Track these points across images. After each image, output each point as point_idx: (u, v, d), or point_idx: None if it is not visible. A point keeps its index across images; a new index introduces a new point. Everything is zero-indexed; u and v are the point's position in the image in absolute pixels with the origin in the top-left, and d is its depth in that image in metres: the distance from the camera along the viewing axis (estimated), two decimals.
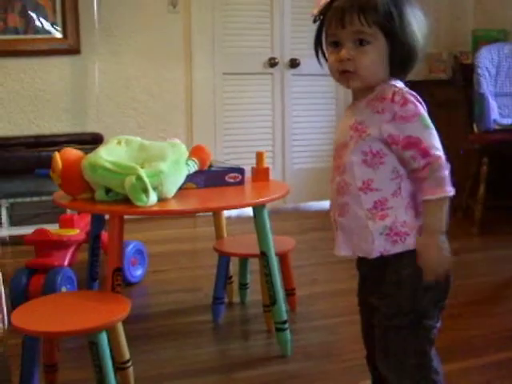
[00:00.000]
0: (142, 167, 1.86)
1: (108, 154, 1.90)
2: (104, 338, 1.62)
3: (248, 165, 2.42)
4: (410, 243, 1.30)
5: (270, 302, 2.10)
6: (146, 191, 1.81)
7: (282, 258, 2.38)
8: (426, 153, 1.25)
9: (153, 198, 1.83)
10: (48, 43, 4.13)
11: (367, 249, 1.32)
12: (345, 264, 2.98)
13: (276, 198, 2.11)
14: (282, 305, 2.10)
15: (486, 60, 4.12)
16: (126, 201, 1.86)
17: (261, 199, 2.08)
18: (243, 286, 2.60)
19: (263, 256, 2.08)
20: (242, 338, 2.34)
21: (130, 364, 1.85)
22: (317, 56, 1.40)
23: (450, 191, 1.27)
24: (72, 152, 1.98)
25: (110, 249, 1.89)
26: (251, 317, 2.52)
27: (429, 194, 1.26)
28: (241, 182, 2.26)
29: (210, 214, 4.06)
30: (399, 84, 1.32)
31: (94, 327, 1.59)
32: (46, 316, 1.68)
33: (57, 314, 1.69)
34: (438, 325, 1.35)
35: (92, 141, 3.75)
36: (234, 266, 2.56)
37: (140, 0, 4.28)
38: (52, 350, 1.83)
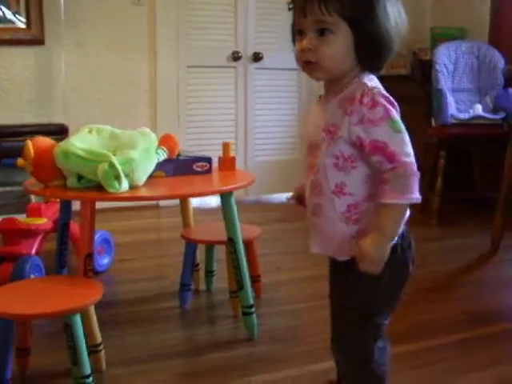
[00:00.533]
0: (114, 155, 1.91)
1: (80, 142, 1.94)
2: (78, 320, 1.67)
3: (211, 156, 2.47)
4: None
5: (238, 287, 2.17)
6: (118, 178, 1.86)
7: (248, 245, 2.44)
8: (392, 158, 1.21)
9: (124, 184, 1.88)
10: (11, 33, 4.10)
11: (338, 251, 1.33)
12: (308, 254, 3.08)
13: (243, 185, 2.19)
14: (249, 289, 2.17)
15: (444, 57, 4.25)
16: (98, 188, 1.91)
17: (228, 187, 2.15)
18: (209, 274, 2.67)
19: (231, 242, 2.15)
20: (209, 323, 2.40)
21: (101, 347, 1.92)
22: (293, 44, 1.33)
23: (412, 198, 1.22)
24: (44, 140, 2.01)
25: (81, 235, 1.93)
26: (217, 303, 2.59)
27: (389, 198, 1.22)
28: (208, 171, 2.32)
29: (174, 204, 4.11)
30: (372, 81, 1.28)
31: (69, 309, 1.64)
32: (20, 299, 1.72)
33: (31, 298, 1.73)
34: (387, 322, 1.39)
35: (57, 131, 3.75)
36: (200, 255, 2.62)
37: None
38: (25, 333, 1.86)
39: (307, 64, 1.28)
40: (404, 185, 1.21)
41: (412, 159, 1.22)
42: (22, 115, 4.14)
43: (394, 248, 1.29)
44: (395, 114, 1.24)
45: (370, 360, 1.38)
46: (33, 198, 3.80)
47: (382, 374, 1.41)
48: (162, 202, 4.54)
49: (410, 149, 1.23)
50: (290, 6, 1.29)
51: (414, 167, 1.22)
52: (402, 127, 1.23)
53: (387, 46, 1.27)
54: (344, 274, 1.36)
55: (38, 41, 4.14)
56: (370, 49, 1.26)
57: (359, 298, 1.35)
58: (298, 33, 1.29)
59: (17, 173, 3.75)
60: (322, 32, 1.24)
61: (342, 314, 1.41)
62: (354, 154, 1.26)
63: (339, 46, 1.24)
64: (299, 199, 1.51)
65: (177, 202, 4.38)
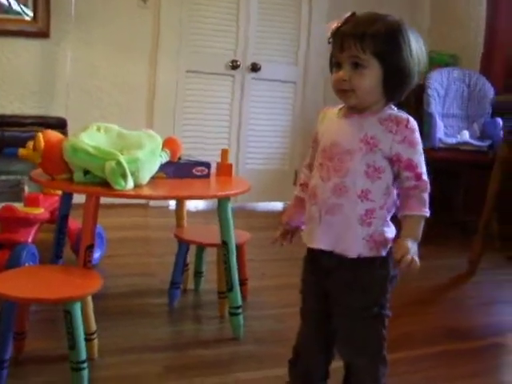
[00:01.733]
0: (121, 154, 2.00)
1: (89, 139, 2.03)
2: (78, 307, 1.75)
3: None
4: (381, 251, 1.49)
5: (227, 288, 2.27)
6: (124, 176, 1.95)
7: (238, 248, 2.52)
8: (418, 176, 1.46)
9: (130, 183, 1.97)
10: (17, 24, 4.18)
11: (348, 248, 1.49)
12: (291, 261, 3.18)
13: (239, 192, 2.28)
14: (238, 291, 2.27)
15: (436, 82, 4.39)
16: (103, 183, 2.00)
17: (226, 192, 2.25)
18: (198, 274, 2.76)
19: (224, 245, 2.25)
20: (196, 321, 2.50)
21: (95, 336, 2.00)
22: (331, 72, 1.52)
23: (428, 212, 1.46)
24: (54, 134, 2.10)
25: (84, 227, 2.02)
26: (205, 303, 2.68)
27: (415, 211, 1.46)
28: (207, 176, 2.42)
29: (163, 205, 4.21)
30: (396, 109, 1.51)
31: (71, 297, 1.73)
32: (23, 284, 1.80)
33: (34, 284, 1.81)
34: (390, 313, 1.56)
35: (56, 125, 3.82)
36: (189, 256, 2.70)
37: None
38: (23, 317, 1.94)
39: (342, 91, 1.47)
40: (425, 200, 1.47)
41: (428, 180, 1.47)
42: (23, 106, 4.21)
43: (389, 252, 1.50)
44: None
45: (382, 349, 1.57)
46: (26, 188, 3.88)
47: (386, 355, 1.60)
48: (151, 203, 4.63)
49: (426, 171, 1.48)
50: (330, 41, 1.49)
51: (429, 185, 1.47)
52: (422, 151, 1.49)
53: (409, 80, 1.48)
54: (352, 274, 1.51)
55: (44, 34, 4.22)
56: (396, 82, 1.47)
57: (372, 295, 1.53)
58: (335, 64, 1.48)
59: (14, 162, 3.83)
60: (356, 65, 1.44)
61: (354, 314, 1.54)
62: (383, 167, 1.46)
63: (370, 78, 1.44)
64: (287, 232, 1.71)
65: (165, 203, 4.51)
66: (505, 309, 2.99)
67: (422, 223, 1.47)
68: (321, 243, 1.53)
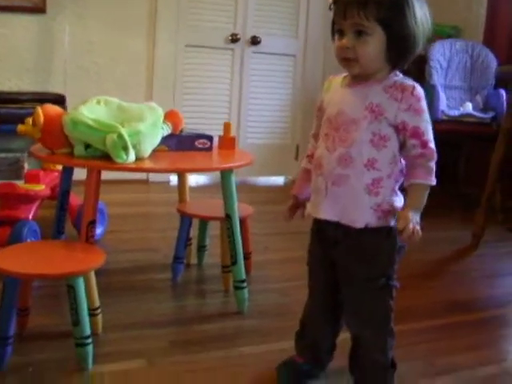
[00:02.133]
0: (122, 126, 1.97)
1: (89, 112, 2.00)
2: (81, 282, 1.73)
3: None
4: (389, 221, 1.49)
5: (231, 261, 2.25)
6: (125, 149, 1.92)
7: (242, 222, 2.50)
8: (424, 144, 1.44)
9: (131, 156, 1.94)
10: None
11: (355, 218, 1.48)
12: (294, 235, 3.17)
13: (243, 164, 2.25)
14: (242, 264, 2.25)
15: (439, 54, 4.34)
16: (104, 157, 1.97)
17: (229, 164, 2.22)
18: (202, 248, 2.74)
19: (228, 218, 2.22)
20: (200, 296, 2.48)
21: (99, 311, 1.99)
22: (332, 39, 1.50)
23: (435, 181, 1.47)
24: (53, 108, 2.06)
25: (86, 202, 2.00)
26: (208, 277, 2.67)
27: (421, 179, 1.45)
28: (209, 149, 2.39)
29: (163, 181, 4.19)
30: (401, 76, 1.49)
31: (74, 271, 1.71)
32: (25, 260, 1.78)
33: (36, 259, 1.79)
34: (398, 284, 1.56)
35: (54, 101, 3.75)
36: (192, 230, 2.68)
37: None
38: (26, 293, 1.92)
39: (345, 60, 1.45)
40: (431, 168, 1.47)
41: (434, 146, 1.46)
42: (20, 83, 4.17)
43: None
44: None
45: (390, 320, 1.57)
46: (26, 165, 3.86)
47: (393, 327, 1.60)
48: (151, 178, 4.61)
49: (432, 137, 1.47)
50: (331, 7, 1.47)
51: (435, 153, 1.47)
52: (430, 119, 1.47)
53: (413, 47, 1.46)
54: (359, 244, 1.51)
55: (40, 9, 4.15)
56: (400, 49, 1.44)
57: (379, 265, 1.52)
58: (337, 32, 1.46)
59: (12, 139, 3.80)
60: (359, 33, 1.41)
61: (361, 284, 1.53)
62: (389, 135, 1.44)
63: (374, 46, 1.42)
64: (297, 206, 1.69)
65: (166, 178, 4.49)
66: (507, 281, 2.99)
67: (427, 192, 1.47)
68: (327, 214, 1.52)
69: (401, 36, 1.42)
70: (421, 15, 1.45)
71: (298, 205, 1.69)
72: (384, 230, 1.50)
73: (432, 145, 1.45)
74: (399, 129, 1.45)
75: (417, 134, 1.44)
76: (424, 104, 1.45)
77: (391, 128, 1.45)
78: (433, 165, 1.46)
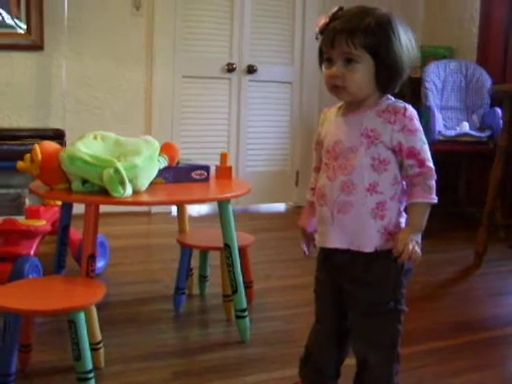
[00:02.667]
0: (118, 161, 1.99)
1: (86, 148, 2.02)
2: (82, 317, 1.74)
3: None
4: None
5: (232, 290, 2.25)
6: (122, 183, 1.94)
7: (242, 251, 2.52)
8: (421, 163, 1.45)
9: (128, 190, 1.96)
10: (11, 38, 4.18)
11: (364, 243, 1.49)
12: (296, 262, 3.19)
13: (240, 194, 2.27)
14: (243, 293, 2.26)
15: (434, 75, 4.38)
16: (102, 192, 1.99)
17: (226, 194, 2.24)
18: (203, 279, 2.75)
19: (227, 248, 2.23)
20: (203, 326, 2.48)
21: (101, 345, 1.99)
22: (320, 67, 1.53)
23: (435, 199, 1.47)
24: (51, 144, 2.09)
25: (85, 236, 2.01)
26: (210, 307, 2.66)
27: (419, 198, 1.46)
28: (206, 179, 2.41)
29: (165, 212, 4.23)
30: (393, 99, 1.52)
31: (75, 306, 1.72)
32: (26, 296, 1.79)
33: (37, 295, 1.80)
34: (406, 308, 1.56)
35: (54, 136, 3.81)
36: (193, 260, 2.69)
37: (105, 1, 4.38)
38: (28, 329, 1.93)
39: (335, 88, 1.48)
40: (430, 186, 1.47)
41: (432, 165, 1.47)
42: (19, 119, 4.21)
43: None
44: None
45: (397, 345, 1.57)
46: (27, 200, 3.88)
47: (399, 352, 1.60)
48: (153, 209, 4.63)
49: (430, 156, 1.48)
50: (318, 37, 1.50)
51: (434, 171, 1.48)
52: (425, 139, 1.49)
53: (401, 72, 1.48)
54: (366, 269, 1.51)
55: (38, 46, 4.22)
56: (388, 74, 1.47)
57: (387, 289, 1.52)
58: (326, 60, 1.49)
59: (12, 175, 3.83)
60: (348, 61, 1.44)
61: (369, 309, 1.54)
62: (388, 158, 1.47)
63: (363, 73, 1.45)
64: (308, 239, 1.70)
65: (168, 209, 4.51)
66: (511, 300, 2.97)
67: (427, 211, 1.48)
68: (336, 242, 1.53)
69: (388, 61, 1.45)
70: (405, 40, 1.48)
71: (308, 237, 1.70)
72: (391, 254, 1.49)
73: (429, 163, 1.46)
74: (396, 150, 1.47)
75: (412, 153, 1.45)
76: (417, 124, 1.47)
77: (389, 151, 1.47)
78: (432, 183, 1.47)
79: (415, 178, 1.47)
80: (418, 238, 1.46)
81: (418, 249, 1.45)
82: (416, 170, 1.46)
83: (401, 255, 1.44)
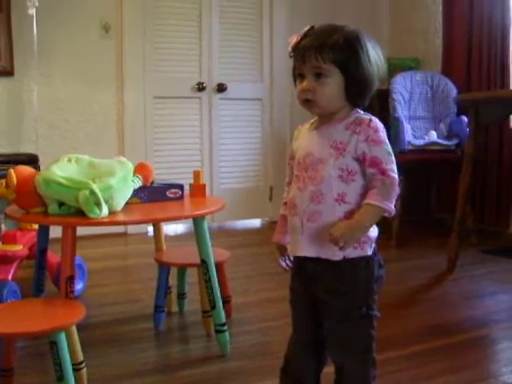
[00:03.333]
0: (93, 183, 2.02)
1: (60, 171, 2.05)
2: (63, 337, 1.76)
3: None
4: (366, 250, 1.53)
5: (210, 306, 2.29)
6: (98, 204, 1.97)
7: (219, 267, 2.55)
8: (383, 172, 1.47)
9: (104, 210, 1.99)
10: None
11: (333, 252, 1.51)
12: (272, 276, 3.23)
13: (214, 210, 2.30)
14: (221, 308, 2.29)
15: (400, 86, 4.47)
16: (78, 214, 2.02)
17: (200, 211, 2.27)
18: (181, 296, 2.77)
19: (203, 264, 2.27)
20: (183, 342, 2.50)
21: (83, 365, 2.01)
22: (295, 84, 1.58)
23: (389, 207, 1.47)
24: (26, 169, 2.12)
25: (63, 259, 2.03)
26: (190, 324, 2.69)
27: (372, 200, 1.46)
28: (181, 197, 2.44)
29: (141, 232, 4.25)
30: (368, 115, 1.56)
31: (55, 327, 1.74)
32: (6, 319, 1.80)
33: (17, 318, 1.82)
34: (378, 314, 1.59)
35: (28, 161, 3.81)
36: (171, 279, 2.72)
37: (74, 24, 4.43)
38: (9, 353, 1.94)
39: (307, 101, 1.53)
40: (387, 193, 1.48)
41: (397, 177, 1.49)
42: None
43: (374, 252, 1.55)
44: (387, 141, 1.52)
45: (371, 350, 1.60)
46: (3, 226, 3.87)
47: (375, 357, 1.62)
48: (130, 230, 4.64)
49: (395, 169, 1.50)
50: (291, 55, 1.56)
51: (397, 183, 1.48)
52: (391, 151, 1.51)
53: (370, 86, 1.53)
54: (337, 277, 1.54)
55: (8, 72, 4.24)
56: (357, 89, 1.52)
57: (358, 296, 1.55)
58: (298, 76, 1.55)
59: None
60: (318, 75, 1.50)
61: (341, 315, 1.57)
62: (355, 169, 1.50)
63: (333, 87, 1.50)
64: (283, 253, 1.72)
65: (144, 230, 4.54)
66: (485, 302, 3.04)
67: (377, 215, 1.48)
68: (305, 251, 1.57)
69: (357, 76, 1.50)
70: (374, 55, 1.53)
71: (283, 251, 1.72)
72: (362, 260, 1.54)
73: (392, 173, 1.48)
74: (360, 160, 1.50)
75: (375, 163, 1.48)
76: (382, 135, 1.50)
77: (355, 162, 1.51)
78: (391, 192, 1.48)
79: (375, 182, 1.48)
80: (355, 231, 1.46)
81: (350, 240, 1.45)
82: (378, 178, 1.48)
83: (333, 240, 1.46)
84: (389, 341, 2.42)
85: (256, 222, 5.28)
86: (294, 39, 1.56)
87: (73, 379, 1.78)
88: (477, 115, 3.35)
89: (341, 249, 1.47)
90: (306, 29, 1.55)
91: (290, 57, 1.57)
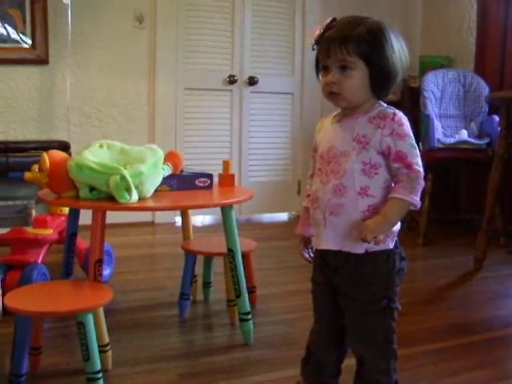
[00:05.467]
0: (124, 168, 2.05)
1: (92, 156, 2.09)
2: (91, 318, 1.80)
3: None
4: (388, 244, 1.54)
5: (236, 294, 2.31)
6: (128, 190, 2.00)
7: (245, 257, 2.57)
8: (408, 166, 1.48)
9: (134, 196, 2.02)
10: (16, 52, 4.27)
11: (355, 245, 1.53)
12: (297, 269, 3.24)
13: (242, 200, 2.33)
14: (246, 297, 2.31)
15: (432, 84, 4.45)
16: (108, 199, 2.05)
17: (229, 200, 2.30)
18: (207, 285, 2.80)
19: (230, 252, 2.29)
20: (207, 330, 2.53)
21: (109, 347, 2.04)
22: (317, 77, 1.59)
23: (415, 200, 1.49)
24: (58, 153, 2.15)
25: (92, 242, 2.07)
26: (214, 312, 2.72)
27: (399, 194, 1.48)
28: (209, 186, 2.47)
29: (168, 222, 4.28)
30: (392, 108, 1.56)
31: (83, 308, 1.78)
32: (36, 299, 1.84)
33: (46, 298, 1.86)
34: (399, 306, 1.60)
35: (59, 148, 3.85)
36: (197, 268, 2.74)
37: (108, 15, 4.48)
38: (38, 332, 1.98)
39: (332, 94, 1.54)
40: (413, 187, 1.49)
41: (422, 170, 1.50)
42: (25, 132, 4.29)
43: (396, 245, 1.56)
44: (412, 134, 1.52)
45: (392, 341, 1.61)
46: (34, 212, 3.94)
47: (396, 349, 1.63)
48: (157, 220, 4.69)
49: (420, 162, 1.51)
50: (314, 47, 1.56)
51: (422, 177, 1.50)
52: (416, 144, 1.52)
53: (394, 77, 1.54)
54: (359, 269, 1.56)
55: (43, 61, 4.31)
56: (382, 81, 1.53)
57: (379, 289, 1.57)
58: (323, 68, 1.55)
59: (19, 187, 3.89)
60: (343, 68, 1.51)
61: (362, 307, 1.58)
62: (379, 162, 1.52)
63: (358, 79, 1.51)
64: (306, 245, 1.75)
65: (171, 220, 4.57)
66: (510, 302, 3.02)
67: (404, 209, 1.50)
68: (328, 244, 1.58)
69: (382, 67, 1.51)
70: (398, 46, 1.53)
71: (307, 243, 1.75)
72: (384, 254, 1.55)
73: (417, 167, 1.49)
74: (385, 154, 1.51)
75: (400, 157, 1.49)
76: (406, 128, 1.50)
77: (380, 155, 1.51)
78: (416, 185, 1.49)
79: (401, 176, 1.50)
80: (384, 227, 1.49)
81: (381, 237, 1.48)
82: (404, 172, 1.49)
83: (363, 239, 1.48)
84: (413, 336, 2.42)
85: (283, 216, 5.30)
86: (316, 31, 1.56)
87: (99, 359, 1.82)
88: (508, 114, 3.33)
89: (373, 243, 1.48)
90: (328, 21, 1.56)
91: (313, 49, 1.58)
